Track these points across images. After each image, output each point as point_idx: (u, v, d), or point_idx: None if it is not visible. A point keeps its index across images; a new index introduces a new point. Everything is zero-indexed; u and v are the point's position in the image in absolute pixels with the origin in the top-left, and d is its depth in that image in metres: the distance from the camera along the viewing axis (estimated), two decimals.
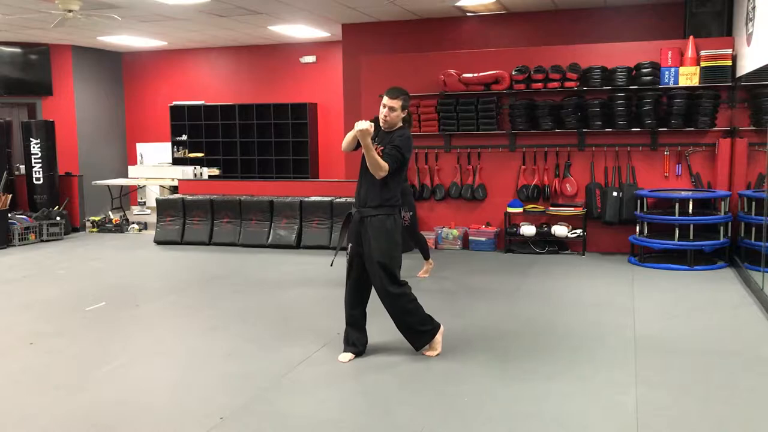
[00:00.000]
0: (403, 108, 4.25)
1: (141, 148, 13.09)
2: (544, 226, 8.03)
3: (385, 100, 4.24)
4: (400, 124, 4.34)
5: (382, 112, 4.24)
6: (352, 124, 11.03)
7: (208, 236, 8.98)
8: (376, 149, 4.16)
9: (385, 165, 4.11)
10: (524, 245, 8.12)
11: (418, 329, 4.37)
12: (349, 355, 4.37)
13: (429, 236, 8.30)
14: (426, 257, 6.80)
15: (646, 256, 7.38)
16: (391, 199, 4.27)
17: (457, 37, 9.79)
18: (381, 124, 4.29)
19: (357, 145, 4.26)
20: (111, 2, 8.33)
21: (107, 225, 10.33)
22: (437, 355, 4.40)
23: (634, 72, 7.63)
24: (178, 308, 5.96)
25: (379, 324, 4.65)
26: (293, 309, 5.78)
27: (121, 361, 4.47)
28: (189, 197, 9.20)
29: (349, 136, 4.26)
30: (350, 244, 4.36)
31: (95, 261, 8.11)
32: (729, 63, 7.28)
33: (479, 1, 8.69)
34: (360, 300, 4.42)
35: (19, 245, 9.03)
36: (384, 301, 4.32)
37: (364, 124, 4.06)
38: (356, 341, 4.42)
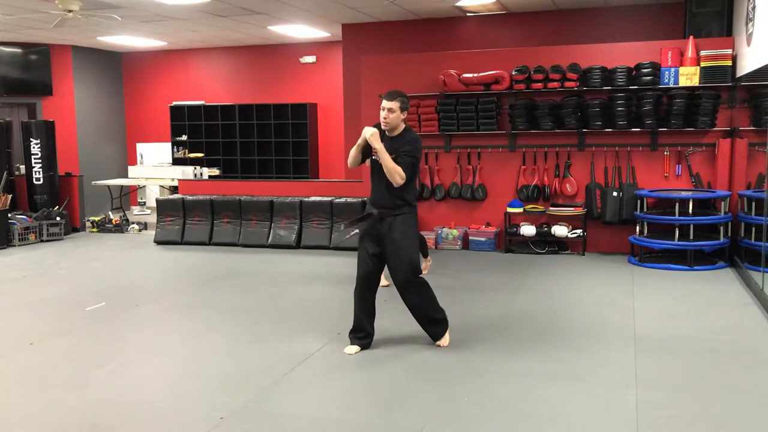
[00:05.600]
0: (402, 109, 4.40)
1: (141, 148, 13.09)
2: (544, 226, 8.02)
3: (384, 103, 4.39)
4: (402, 126, 4.47)
5: (382, 114, 4.40)
6: (352, 124, 11.07)
7: (208, 236, 8.98)
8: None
9: (402, 173, 4.32)
10: (524, 245, 8.12)
11: (434, 317, 4.60)
12: (356, 348, 4.52)
13: (429, 236, 8.30)
14: (425, 255, 6.81)
15: (646, 256, 7.38)
16: (412, 200, 4.52)
17: (457, 37, 9.80)
18: (382, 127, 4.44)
19: (363, 159, 4.50)
20: (111, 2, 8.33)
21: (107, 225, 10.33)
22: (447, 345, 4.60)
23: (634, 72, 7.63)
24: (178, 308, 5.96)
25: (380, 325, 4.66)
26: (293, 309, 5.77)
27: (121, 361, 4.47)
28: (189, 197, 9.20)
29: (355, 149, 4.45)
30: (365, 241, 4.50)
31: (95, 261, 8.11)
32: (729, 63, 7.28)
33: (479, 1, 8.69)
34: (372, 290, 4.59)
35: (19, 245, 9.03)
36: (407, 292, 4.53)
37: (369, 130, 4.34)
38: (368, 328, 4.57)
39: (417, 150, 4.42)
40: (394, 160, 4.33)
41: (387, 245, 4.42)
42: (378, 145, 4.32)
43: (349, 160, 4.52)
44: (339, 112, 11.29)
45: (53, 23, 8.27)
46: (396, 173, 4.30)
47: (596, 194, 7.88)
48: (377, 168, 4.44)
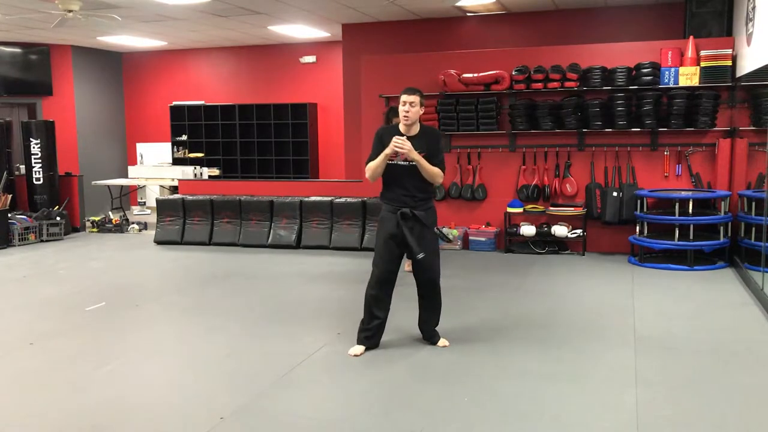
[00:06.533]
0: (420, 104, 4.43)
1: (141, 148, 13.09)
2: (544, 226, 8.02)
3: (404, 97, 4.40)
4: (418, 122, 4.47)
5: (403, 109, 4.39)
6: (352, 124, 11.00)
7: (208, 236, 8.98)
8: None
9: (441, 174, 4.45)
10: (524, 245, 8.12)
11: (439, 317, 4.68)
12: (362, 348, 4.48)
13: None
14: None
15: (646, 256, 7.38)
16: (432, 193, 4.60)
17: (457, 37, 9.80)
18: (403, 123, 4.42)
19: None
20: (111, 2, 8.33)
21: (107, 225, 10.33)
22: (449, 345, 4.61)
23: (634, 72, 7.62)
24: (178, 308, 5.96)
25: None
26: (293, 309, 5.77)
27: (121, 361, 4.47)
28: (189, 197, 9.19)
29: (380, 162, 4.37)
30: (392, 241, 4.45)
31: (95, 261, 8.11)
32: (729, 63, 7.28)
33: (479, 1, 8.69)
34: (391, 289, 4.54)
35: (19, 245, 9.02)
36: (434, 291, 4.61)
37: (405, 144, 4.27)
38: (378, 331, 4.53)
39: (444, 148, 4.50)
40: (428, 161, 4.36)
41: (417, 243, 4.39)
42: (416, 156, 4.29)
43: (371, 174, 4.44)
44: (339, 112, 11.28)
45: (53, 23, 8.27)
46: (437, 176, 4.41)
47: (596, 194, 7.88)
48: (400, 171, 4.41)
